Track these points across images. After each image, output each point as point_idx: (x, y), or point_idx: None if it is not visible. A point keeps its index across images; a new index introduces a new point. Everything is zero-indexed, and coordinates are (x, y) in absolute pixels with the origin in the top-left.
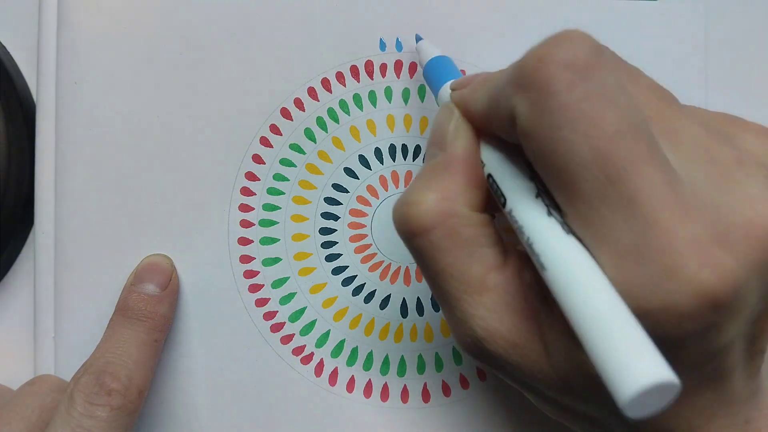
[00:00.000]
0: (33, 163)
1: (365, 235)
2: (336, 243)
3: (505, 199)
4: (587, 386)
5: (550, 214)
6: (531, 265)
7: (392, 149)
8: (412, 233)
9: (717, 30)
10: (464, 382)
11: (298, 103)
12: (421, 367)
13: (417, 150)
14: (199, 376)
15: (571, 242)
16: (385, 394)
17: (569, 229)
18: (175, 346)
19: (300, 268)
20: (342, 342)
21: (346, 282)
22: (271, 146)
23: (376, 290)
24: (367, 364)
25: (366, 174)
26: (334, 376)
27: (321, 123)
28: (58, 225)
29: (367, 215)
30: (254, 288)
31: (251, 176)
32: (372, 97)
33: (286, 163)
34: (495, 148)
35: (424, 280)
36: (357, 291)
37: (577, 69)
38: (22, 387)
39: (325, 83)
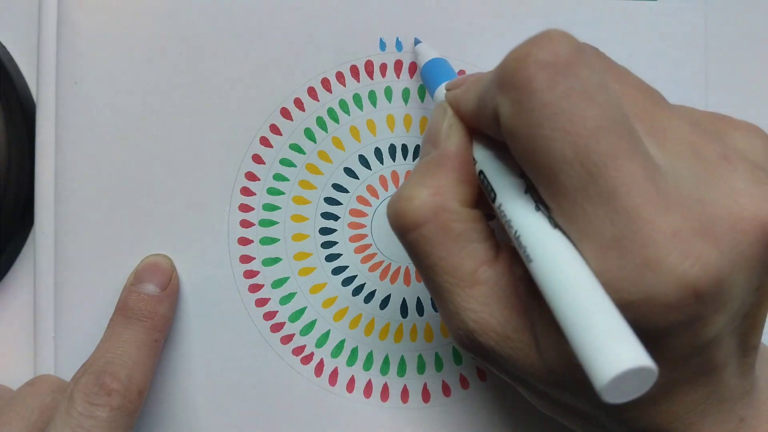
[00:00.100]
0: (33, 163)
1: (365, 235)
2: (336, 243)
3: (495, 194)
4: (575, 379)
5: (537, 209)
6: (521, 261)
7: (392, 149)
8: (405, 228)
9: (717, 30)
10: (464, 382)
11: (298, 103)
12: (421, 367)
13: (417, 150)
14: (199, 376)
15: (556, 235)
16: (385, 394)
17: (555, 224)
18: (175, 346)
19: (300, 268)
20: (342, 342)
21: (346, 282)
22: (271, 146)
23: (376, 290)
24: (367, 364)
25: (366, 174)
26: (334, 376)
27: (321, 123)
28: (58, 225)
29: (367, 215)
30: (254, 288)
31: (251, 176)
32: (372, 97)
33: (286, 163)
34: (486, 146)
35: None
36: (357, 291)
37: (557, 68)
38: (22, 387)
39: (325, 83)
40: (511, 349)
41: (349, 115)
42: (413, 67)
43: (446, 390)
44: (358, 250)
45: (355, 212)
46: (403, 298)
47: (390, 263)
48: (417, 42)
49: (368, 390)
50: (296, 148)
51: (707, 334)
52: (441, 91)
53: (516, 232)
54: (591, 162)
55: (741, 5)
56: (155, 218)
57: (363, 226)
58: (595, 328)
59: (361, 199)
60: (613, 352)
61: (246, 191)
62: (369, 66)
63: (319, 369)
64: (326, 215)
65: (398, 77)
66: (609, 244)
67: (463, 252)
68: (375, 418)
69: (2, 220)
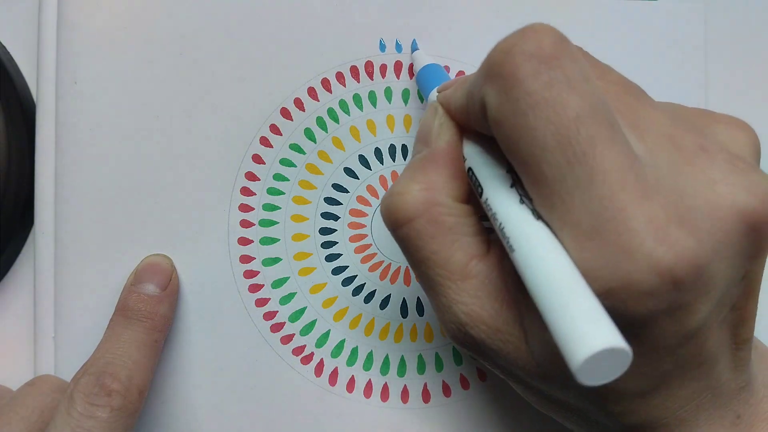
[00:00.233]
0: (33, 163)
1: (365, 235)
2: (336, 243)
3: (482, 189)
4: (561, 371)
5: (522, 202)
6: None
7: (392, 149)
8: (397, 222)
9: (717, 30)
10: (464, 382)
11: (298, 103)
12: (421, 367)
13: None
14: (199, 376)
15: (538, 226)
16: (385, 394)
17: (538, 216)
18: (175, 346)
19: (300, 268)
20: (342, 342)
21: (346, 282)
22: (271, 146)
23: (376, 290)
24: (367, 364)
25: (366, 174)
26: (334, 376)
27: (321, 123)
28: (58, 225)
29: (367, 215)
30: (254, 288)
31: (251, 176)
32: (372, 97)
33: (286, 163)
34: (475, 143)
35: None
36: (357, 291)
37: (542, 58)
38: (22, 387)
39: (325, 83)
40: (501, 342)
41: (349, 115)
42: (413, 68)
43: (446, 390)
44: (358, 250)
45: (355, 212)
46: (403, 298)
47: (390, 263)
48: (414, 48)
49: (368, 390)
50: (296, 148)
51: (691, 323)
52: (434, 94)
53: (500, 224)
54: (571, 150)
55: (741, 5)
56: (155, 218)
57: (363, 226)
58: (570, 312)
59: (361, 199)
60: (586, 333)
61: (246, 191)
62: (369, 66)
63: (319, 369)
64: (326, 215)
65: (398, 78)
66: (587, 232)
67: (454, 245)
68: (375, 418)
69: (2, 220)
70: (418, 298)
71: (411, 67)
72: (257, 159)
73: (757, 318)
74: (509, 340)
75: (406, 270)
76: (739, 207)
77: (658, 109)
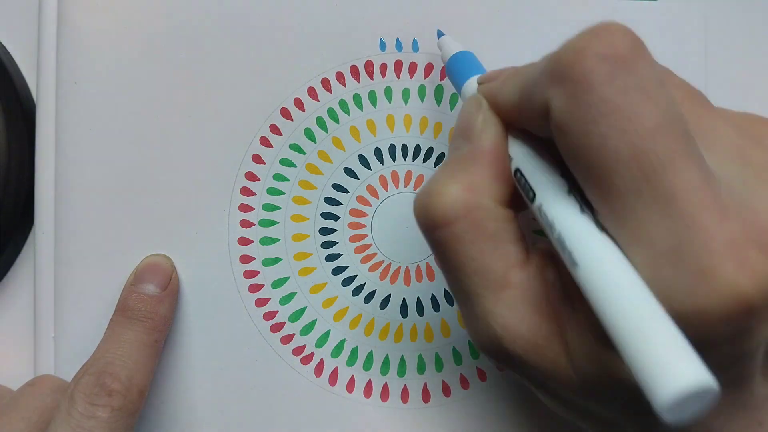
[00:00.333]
0: (33, 163)
1: (365, 235)
2: (336, 243)
3: (534, 194)
4: (610, 388)
5: (583, 211)
6: (554, 264)
7: (392, 149)
8: (434, 225)
9: (717, 30)
10: (464, 382)
11: (298, 103)
12: (421, 367)
13: (417, 150)
14: (199, 376)
15: (605, 240)
16: (385, 394)
17: (602, 228)
18: (175, 346)
19: (300, 268)
20: (342, 342)
21: (346, 282)
22: (271, 146)
23: (376, 290)
24: (367, 364)
25: (366, 174)
26: (334, 376)
27: (321, 123)
28: (58, 225)
29: (367, 215)
30: (254, 288)
31: (251, 176)
32: (372, 97)
33: (286, 163)
34: (524, 142)
35: (424, 280)
36: (357, 291)
37: (616, 61)
38: (22, 387)
39: (325, 83)
40: (539, 356)
41: (349, 115)
42: (413, 68)
43: (446, 390)
44: (358, 250)
45: (355, 212)
46: (403, 298)
47: (390, 263)
48: (440, 35)
49: (368, 390)
50: (296, 148)
51: (750, 346)
52: (471, 85)
53: (559, 234)
54: (648, 163)
55: (741, 5)
56: (155, 218)
57: (363, 226)
58: (655, 343)
59: (361, 199)
60: (676, 370)
61: (246, 191)
62: (369, 66)
63: (319, 369)
64: (326, 215)
65: (398, 77)
66: (662, 251)
67: (495, 253)
68: (375, 418)
69: (2, 220)
70: (418, 298)
71: (411, 66)
72: (257, 159)
73: None
74: (547, 355)
75: (406, 270)
76: None
77: (721, 116)
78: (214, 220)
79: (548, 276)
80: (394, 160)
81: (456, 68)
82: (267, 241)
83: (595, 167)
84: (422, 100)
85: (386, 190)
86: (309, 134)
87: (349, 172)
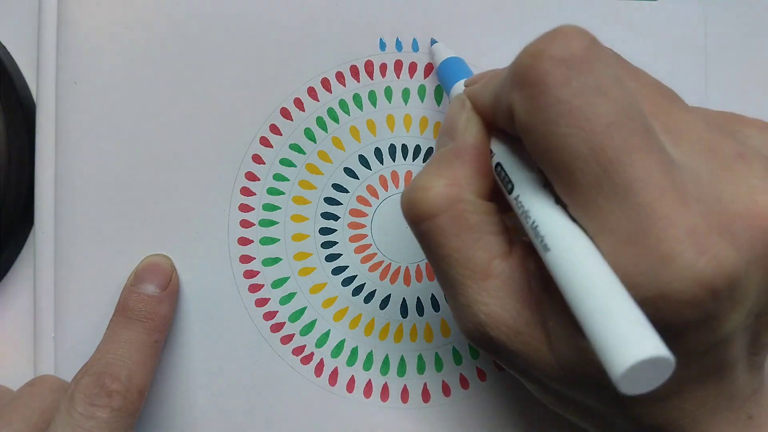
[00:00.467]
0: (33, 163)
1: (365, 235)
2: (336, 243)
3: (512, 186)
4: (589, 375)
5: (557, 202)
6: (535, 255)
7: (392, 149)
8: (419, 218)
9: (717, 30)
10: (464, 382)
11: (298, 103)
12: (421, 367)
13: (417, 150)
14: (199, 376)
15: (575, 228)
16: (385, 394)
17: (573, 219)
18: (175, 346)
19: (300, 268)
20: (342, 342)
21: (346, 282)
22: (271, 146)
23: (376, 290)
24: (367, 364)
25: (366, 174)
26: (334, 376)
27: (321, 123)
28: (58, 225)
29: (367, 215)
30: (254, 288)
31: (251, 176)
32: (372, 97)
33: (286, 163)
34: (505, 139)
35: (424, 280)
36: (357, 291)
37: (572, 63)
38: (22, 387)
39: (325, 83)
40: (522, 343)
41: (349, 115)
42: (413, 68)
43: (446, 390)
44: (358, 250)
45: (355, 212)
46: (403, 298)
47: (390, 263)
48: (433, 42)
49: (368, 390)
50: (296, 148)
51: (721, 332)
52: (458, 87)
53: (533, 222)
54: (605, 158)
55: (741, 5)
56: (155, 218)
57: (363, 226)
58: (612, 317)
59: (361, 199)
60: (631, 340)
61: (246, 191)
62: (369, 66)
63: (319, 369)
64: (326, 215)
65: (398, 77)
66: (625, 240)
67: (477, 244)
68: (375, 418)
69: (2, 220)
70: (418, 298)
71: (411, 66)
72: (257, 159)
73: None
74: (530, 343)
75: (406, 270)
76: None
77: (692, 112)
78: (214, 220)
79: (530, 266)
80: (394, 160)
81: (446, 73)
82: (267, 241)
83: (558, 165)
84: (422, 100)
85: (386, 190)
86: (309, 134)
87: (349, 172)
